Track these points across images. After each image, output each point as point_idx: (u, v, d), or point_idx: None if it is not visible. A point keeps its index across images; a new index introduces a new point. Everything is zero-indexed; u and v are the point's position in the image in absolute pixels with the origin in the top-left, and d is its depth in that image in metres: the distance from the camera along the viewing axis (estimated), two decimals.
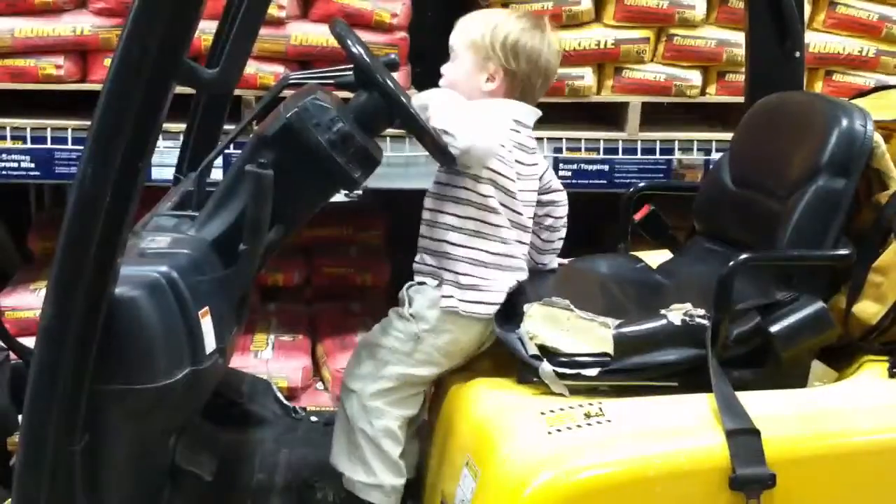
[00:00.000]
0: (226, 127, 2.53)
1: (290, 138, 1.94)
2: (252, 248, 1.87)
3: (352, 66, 2.04)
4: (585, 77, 3.38)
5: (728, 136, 2.70)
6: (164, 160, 2.87)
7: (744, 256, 2.00)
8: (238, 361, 3.01)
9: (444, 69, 2.28)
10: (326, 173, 1.96)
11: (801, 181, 2.13)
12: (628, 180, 3.40)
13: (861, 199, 2.15)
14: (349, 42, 2.01)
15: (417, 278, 2.24)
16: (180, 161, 2.53)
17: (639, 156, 3.43)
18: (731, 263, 1.97)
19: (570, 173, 3.41)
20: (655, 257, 2.63)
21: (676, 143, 3.44)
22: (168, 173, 2.57)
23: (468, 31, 2.26)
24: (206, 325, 1.81)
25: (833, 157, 2.09)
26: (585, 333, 2.05)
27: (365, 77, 2.01)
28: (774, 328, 2.00)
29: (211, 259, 1.92)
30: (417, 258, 2.26)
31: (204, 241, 1.95)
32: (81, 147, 3.10)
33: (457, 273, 2.17)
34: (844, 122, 2.12)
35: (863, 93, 2.45)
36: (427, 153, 2.10)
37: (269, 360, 3.29)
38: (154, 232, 1.98)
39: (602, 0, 3.37)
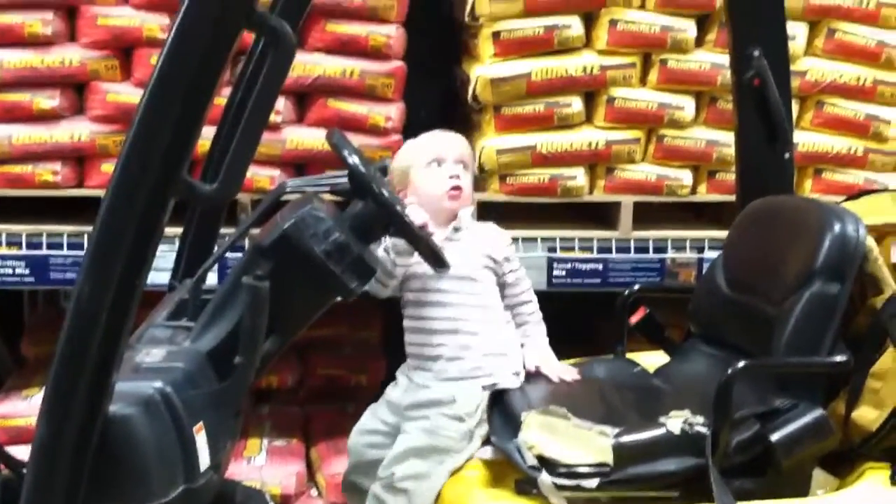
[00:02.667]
0: (223, 230, 2.54)
1: (287, 249, 1.95)
2: (247, 362, 1.87)
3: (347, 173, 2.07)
4: (578, 177, 3.41)
5: (720, 234, 2.72)
6: (160, 264, 2.87)
7: (741, 364, 1.99)
8: (231, 468, 2.95)
9: (465, 183, 2.52)
10: (323, 283, 1.97)
11: (796, 286, 2.14)
12: (623, 279, 3.41)
13: (856, 304, 2.16)
14: (345, 152, 2.04)
15: (443, 372, 2.41)
16: (176, 267, 2.53)
17: (632, 254, 3.45)
18: (730, 371, 1.97)
19: (564, 273, 3.42)
20: (652, 359, 2.63)
21: (669, 241, 3.46)
22: (163, 278, 2.56)
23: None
24: (201, 441, 1.79)
25: (827, 262, 2.11)
26: (584, 443, 2.03)
27: (360, 187, 2.03)
28: (775, 437, 1.99)
29: (206, 372, 1.91)
30: (434, 353, 2.42)
31: (199, 353, 1.94)
32: (77, 252, 3.15)
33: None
34: (837, 227, 2.14)
35: (852, 196, 2.48)
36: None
37: (263, 467, 3.24)
38: (149, 344, 1.97)
39: (593, 103, 3.43)
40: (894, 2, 3.45)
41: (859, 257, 2.11)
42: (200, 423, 1.81)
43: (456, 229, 2.50)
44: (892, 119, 3.51)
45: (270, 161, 3.20)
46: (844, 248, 2.11)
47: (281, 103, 3.17)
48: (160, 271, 2.78)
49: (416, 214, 2.25)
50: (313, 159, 3.23)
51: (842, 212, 2.18)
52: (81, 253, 2.96)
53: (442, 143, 2.58)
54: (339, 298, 2.14)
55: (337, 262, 1.95)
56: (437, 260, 2.06)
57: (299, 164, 3.27)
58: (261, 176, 3.17)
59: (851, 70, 3.46)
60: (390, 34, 3.26)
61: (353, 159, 2.02)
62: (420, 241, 2.04)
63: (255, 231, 2.16)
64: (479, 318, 2.46)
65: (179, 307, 2.20)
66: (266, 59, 1.78)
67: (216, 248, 2.46)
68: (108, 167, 3.11)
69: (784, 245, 2.26)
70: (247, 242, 2.51)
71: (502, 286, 2.54)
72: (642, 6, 3.36)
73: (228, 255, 2.69)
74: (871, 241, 2.15)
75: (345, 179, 2.12)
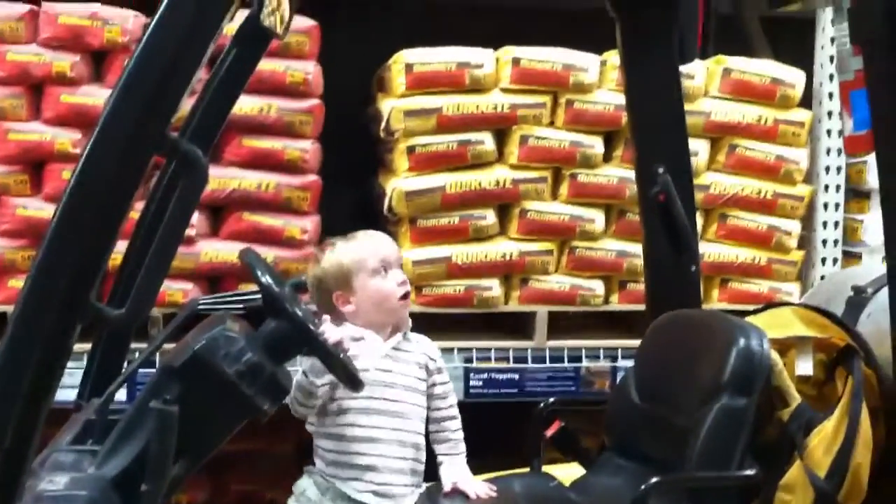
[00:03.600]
0: (133, 346, 2.49)
1: (198, 370, 1.91)
2: (154, 489, 1.81)
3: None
4: (493, 288, 3.46)
5: (634, 342, 2.77)
6: (67, 381, 2.78)
7: (654, 480, 2.01)
8: None
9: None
10: (234, 405, 1.93)
11: (706, 399, 2.18)
12: (539, 389, 3.44)
13: (764, 417, 2.20)
14: (258, 272, 2.03)
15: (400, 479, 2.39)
16: (83, 384, 2.46)
17: (548, 364, 3.48)
18: (643, 487, 1.99)
19: (480, 383, 3.44)
20: (569, 472, 2.63)
21: (584, 351, 3.51)
22: (70, 395, 2.49)
23: None
24: None
25: (734, 376, 2.16)
26: None
27: (274, 307, 2.02)
28: None
29: (111, 499, 1.83)
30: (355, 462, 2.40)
31: (104, 479, 1.87)
32: None
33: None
34: (742, 342, 2.20)
35: (755, 311, 2.55)
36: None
37: None
38: (52, 471, 1.89)
39: (506, 215, 3.49)
40: (791, 119, 3.63)
41: (765, 371, 2.17)
42: None
43: (405, 337, 2.51)
44: (794, 230, 3.66)
45: (184, 275, 3.17)
46: (750, 362, 2.16)
47: (195, 217, 3.16)
48: (67, 388, 2.71)
49: (330, 332, 2.23)
50: (228, 272, 3.22)
51: (746, 326, 2.25)
52: None
53: (387, 247, 2.56)
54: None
55: (249, 383, 1.91)
56: (351, 381, 2.05)
57: (214, 277, 3.25)
58: (173, 290, 3.14)
59: (753, 184, 3.61)
60: (306, 148, 3.30)
61: (266, 279, 2.01)
62: (334, 362, 2.03)
63: (169, 345, 2.13)
64: (404, 428, 2.45)
65: (86, 428, 2.13)
66: (178, 178, 1.78)
67: (126, 365, 2.40)
68: (16, 282, 3.05)
69: (693, 359, 2.30)
70: (158, 358, 2.47)
71: (429, 397, 2.52)
72: (552, 123, 3.47)
73: (139, 370, 2.63)
74: (775, 355, 2.21)
75: (258, 296, 2.10)
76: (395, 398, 2.45)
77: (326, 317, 2.33)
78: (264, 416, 1.99)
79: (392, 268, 2.50)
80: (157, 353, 2.25)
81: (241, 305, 2.16)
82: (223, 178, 3.21)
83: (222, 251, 3.22)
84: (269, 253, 3.21)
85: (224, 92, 2.14)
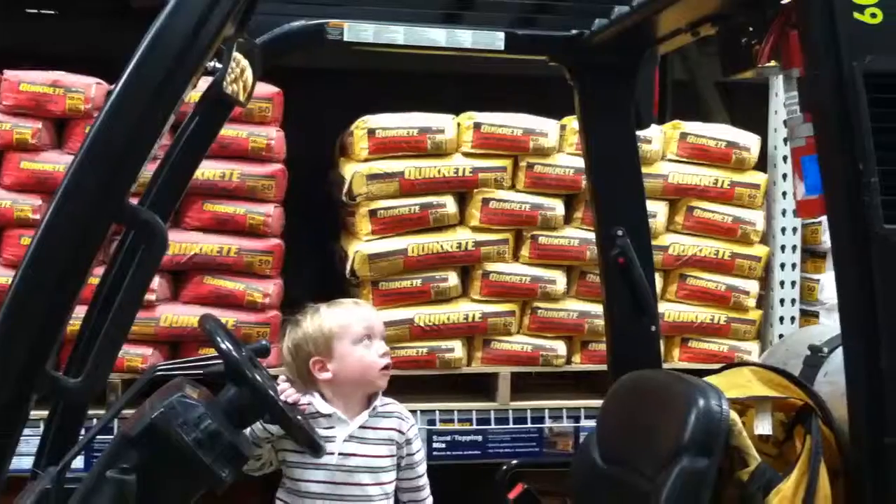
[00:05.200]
0: (91, 412, 2.46)
1: (155, 439, 1.89)
2: None
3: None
4: (455, 349, 3.46)
5: (596, 402, 2.78)
6: (23, 449, 2.73)
7: None
8: None
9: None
10: (193, 474, 1.90)
11: (666, 462, 2.17)
12: (502, 450, 3.43)
13: (724, 478, 2.20)
14: (218, 338, 2.02)
15: None
16: (39, 452, 2.42)
17: (511, 425, 3.48)
18: None
19: (444, 445, 3.42)
20: None
21: (546, 411, 3.51)
22: (27, 462, 2.45)
23: None
24: None
25: (693, 437, 2.16)
26: None
27: (234, 373, 2.01)
28: None
29: None
30: None
31: None
32: None
33: None
34: (701, 403, 2.20)
35: (714, 371, 2.57)
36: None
37: None
38: None
39: (469, 277, 3.51)
40: (747, 181, 3.70)
41: (724, 431, 2.17)
42: None
43: (375, 412, 2.48)
44: (752, 290, 3.71)
45: (144, 339, 3.15)
46: (709, 423, 2.16)
47: (156, 282, 3.15)
48: (23, 456, 2.66)
49: (289, 394, 2.23)
50: (189, 337, 3.20)
51: (705, 387, 2.25)
52: None
53: (371, 318, 2.55)
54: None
55: (208, 451, 1.89)
56: (311, 445, 2.04)
57: (174, 342, 3.23)
58: (132, 355, 3.11)
59: (711, 245, 3.67)
60: (269, 213, 3.31)
61: (226, 345, 2.00)
62: (294, 429, 2.02)
63: (128, 411, 2.11)
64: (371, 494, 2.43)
65: (42, 497, 2.09)
66: (138, 245, 1.78)
67: (83, 432, 2.37)
68: None
69: (653, 420, 2.31)
70: (116, 425, 2.44)
71: (399, 468, 2.50)
72: (513, 186, 3.51)
73: (97, 438, 2.60)
74: (734, 415, 2.22)
75: (218, 362, 2.09)
76: (358, 482, 2.42)
77: (282, 376, 2.32)
78: (223, 485, 1.97)
79: (376, 338, 2.49)
80: (116, 420, 2.23)
81: (200, 371, 2.15)
82: (185, 243, 3.21)
83: (183, 315, 3.20)
84: (230, 317, 3.20)
85: (186, 158, 2.16)
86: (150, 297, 3.13)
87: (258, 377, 1.99)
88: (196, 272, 3.26)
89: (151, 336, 3.17)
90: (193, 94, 2.24)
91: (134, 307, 1.83)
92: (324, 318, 2.48)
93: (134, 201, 1.95)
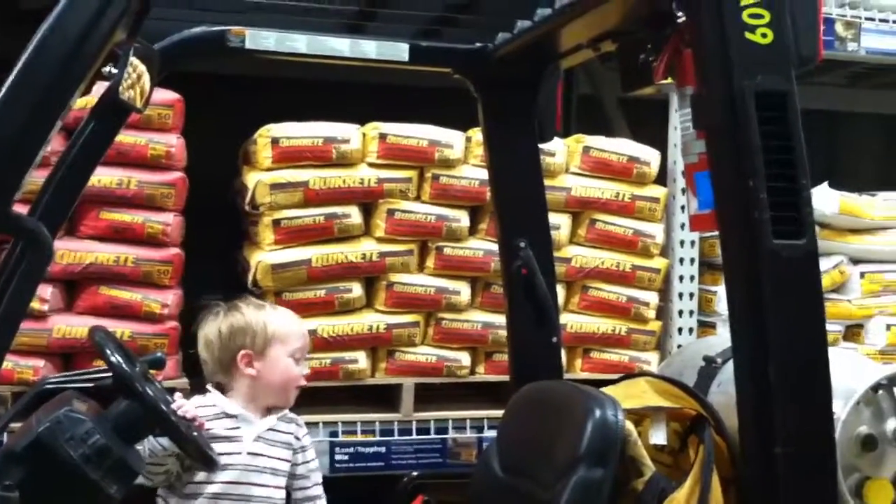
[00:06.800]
0: None
1: (41, 454, 1.84)
2: None
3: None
4: (359, 360, 3.45)
5: (499, 413, 2.79)
6: None
7: None
8: None
9: None
10: (80, 491, 1.86)
11: (564, 472, 2.20)
12: (405, 461, 3.42)
13: (619, 487, 2.23)
14: (107, 351, 1.98)
15: None
16: None
17: (414, 436, 3.48)
18: None
19: (347, 457, 3.40)
20: None
21: (450, 422, 3.52)
22: None
23: None
24: None
25: (590, 447, 2.18)
26: None
27: (124, 386, 1.96)
28: None
29: None
30: None
31: None
32: None
33: None
34: (598, 413, 2.23)
35: (612, 381, 2.61)
36: None
37: None
38: None
39: (373, 287, 3.50)
40: (647, 195, 3.77)
41: (619, 441, 2.20)
42: None
43: (285, 414, 2.51)
44: (651, 301, 3.78)
45: (35, 351, 3.05)
46: (605, 433, 2.20)
47: (49, 292, 3.06)
48: None
49: (186, 408, 2.18)
50: (82, 349, 3.11)
51: (601, 398, 2.28)
52: None
53: (307, 338, 2.61)
54: None
55: (96, 466, 1.85)
56: (205, 461, 2.00)
57: (67, 354, 3.13)
58: (23, 367, 3.02)
59: (612, 257, 3.73)
60: (168, 222, 3.25)
61: (116, 357, 1.96)
62: (187, 443, 1.98)
63: (16, 424, 2.04)
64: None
65: None
66: (23, 254, 1.72)
67: None
68: None
69: (552, 431, 2.33)
70: (5, 439, 2.36)
71: (293, 476, 2.50)
72: (418, 197, 3.51)
73: None
74: (629, 425, 2.25)
75: (109, 374, 2.04)
76: (262, 483, 2.42)
77: (179, 393, 2.28)
78: (112, 502, 1.93)
79: (303, 360, 2.55)
80: (4, 434, 2.16)
81: (91, 384, 2.09)
82: (79, 252, 3.12)
83: (77, 327, 3.11)
84: (126, 328, 3.13)
85: (80, 165, 2.10)
86: (42, 307, 3.03)
87: (149, 390, 1.95)
88: (91, 282, 3.17)
89: (44, 348, 3.07)
90: (89, 100, 2.19)
91: (17, 318, 1.77)
92: (270, 318, 2.51)
93: (24, 209, 1.91)
